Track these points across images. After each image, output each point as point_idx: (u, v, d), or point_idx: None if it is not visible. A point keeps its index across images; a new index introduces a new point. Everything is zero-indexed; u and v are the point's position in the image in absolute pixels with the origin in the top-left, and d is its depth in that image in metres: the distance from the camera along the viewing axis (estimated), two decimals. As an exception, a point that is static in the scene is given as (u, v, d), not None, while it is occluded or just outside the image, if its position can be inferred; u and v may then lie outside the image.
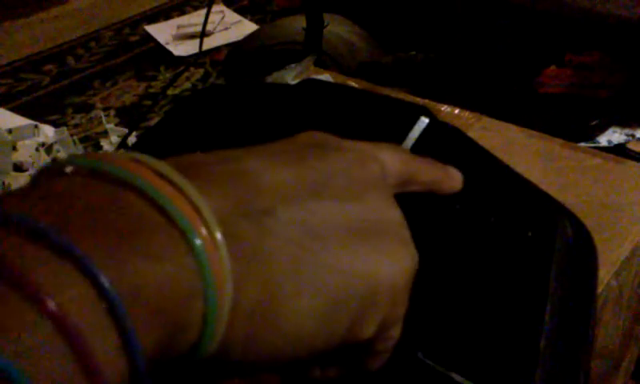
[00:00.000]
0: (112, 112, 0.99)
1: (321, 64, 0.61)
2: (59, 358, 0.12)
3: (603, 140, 0.56)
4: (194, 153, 0.17)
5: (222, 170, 0.16)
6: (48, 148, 0.75)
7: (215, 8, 1.18)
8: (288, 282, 0.16)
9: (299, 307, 0.16)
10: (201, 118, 0.34)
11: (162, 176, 0.15)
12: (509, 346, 0.22)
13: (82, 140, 0.88)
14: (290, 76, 0.53)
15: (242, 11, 1.25)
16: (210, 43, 1.13)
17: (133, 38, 1.21)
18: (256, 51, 0.87)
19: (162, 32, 1.21)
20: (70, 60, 1.15)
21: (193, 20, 1.21)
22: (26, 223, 0.13)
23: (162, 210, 0.14)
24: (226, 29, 1.18)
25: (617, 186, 0.38)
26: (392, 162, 0.20)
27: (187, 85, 1.04)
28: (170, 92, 1.00)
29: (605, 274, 0.32)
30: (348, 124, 0.26)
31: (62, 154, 0.75)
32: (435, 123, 0.28)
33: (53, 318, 0.12)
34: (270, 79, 0.54)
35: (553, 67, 0.66)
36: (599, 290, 0.31)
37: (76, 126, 0.95)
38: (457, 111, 0.46)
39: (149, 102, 0.99)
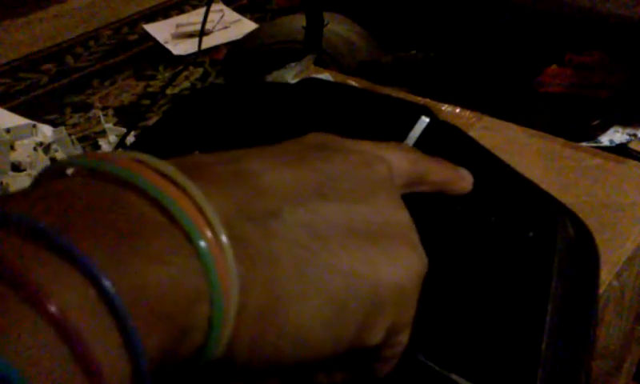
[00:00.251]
0: (110, 111, 0.99)
1: (321, 63, 0.61)
2: (59, 360, 0.12)
3: (605, 140, 0.56)
4: (193, 153, 0.17)
5: (226, 171, 0.16)
6: (46, 148, 0.75)
7: (214, 7, 1.18)
8: (294, 284, 0.16)
9: (305, 310, 0.16)
10: (200, 118, 0.34)
11: (164, 176, 0.15)
12: (510, 347, 0.22)
13: (80, 139, 0.88)
14: (290, 75, 0.53)
15: (241, 10, 1.25)
16: (209, 42, 1.13)
17: (132, 37, 1.21)
18: (255, 50, 0.87)
19: (160, 31, 1.20)
20: (69, 59, 1.15)
21: (192, 19, 1.20)
22: (26, 223, 0.13)
23: (165, 211, 0.14)
24: (226, 28, 1.18)
25: (618, 186, 0.38)
26: (399, 162, 0.20)
27: (186, 84, 1.04)
28: (169, 91, 0.99)
29: (606, 275, 0.32)
30: (348, 123, 0.26)
31: (60, 154, 0.75)
32: (436, 123, 0.28)
33: (53, 320, 0.12)
34: (269, 78, 0.54)
35: (554, 66, 0.66)
36: (601, 290, 0.31)
37: (74, 125, 0.95)
38: (457, 110, 0.46)
39: (147, 102, 0.98)
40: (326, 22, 0.70)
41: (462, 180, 0.23)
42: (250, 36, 0.93)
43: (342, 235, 0.17)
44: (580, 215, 0.27)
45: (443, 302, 0.23)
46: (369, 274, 0.17)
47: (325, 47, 0.73)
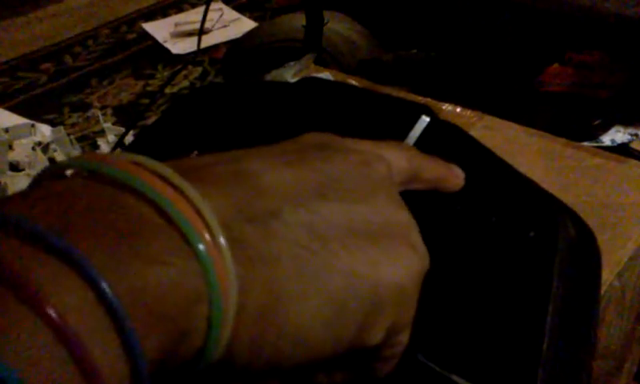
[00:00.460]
0: (109, 111, 0.99)
1: (321, 62, 0.61)
2: (58, 361, 0.12)
3: (607, 139, 0.55)
4: (192, 152, 0.17)
5: (225, 171, 0.16)
6: (44, 147, 0.75)
7: (213, 5, 1.18)
8: (294, 284, 0.16)
9: (305, 310, 0.16)
10: (199, 117, 0.33)
11: (162, 178, 0.15)
12: (510, 348, 0.22)
13: (78, 139, 0.88)
14: (290, 74, 0.53)
15: (240, 9, 1.25)
16: (208, 41, 1.12)
17: (130, 36, 1.21)
18: (255, 49, 0.87)
19: (159, 30, 1.20)
20: (68, 58, 1.15)
21: (191, 17, 1.20)
22: (26, 225, 0.13)
23: (163, 213, 0.14)
24: (225, 26, 1.18)
25: (618, 186, 0.38)
26: (398, 160, 0.20)
27: (185, 83, 1.04)
28: (167, 90, 0.99)
29: (607, 275, 0.32)
30: (348, 123, 0.26)
31: (58, 154, 0.75)
32: (436, 122, 0.28)
33: (52, 321, 0.12)
34: (269, 77, 0.54)
35: (555, 65, 0.65)
36: (602, 290, 0.31)
37: (73, 125, 0.95)
38: (458, 110, 0.46)
39: (146, 101, 0.98)
40: (325, 21, 0.70)
41: (455, 177, 0.23)
42: (250, 35, 0.93)
43: (342, 235, 0.17)
44: (581, 215, 0.27)
45: (443, 302, 0.23)
46: (369, 274, 0.17)
47: (325, 46, 0.73)
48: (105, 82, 1.07)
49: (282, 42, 0.83)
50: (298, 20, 0.75)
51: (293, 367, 0.16)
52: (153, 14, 1.28)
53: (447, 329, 0.22)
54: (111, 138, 0.85)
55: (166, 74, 1.07)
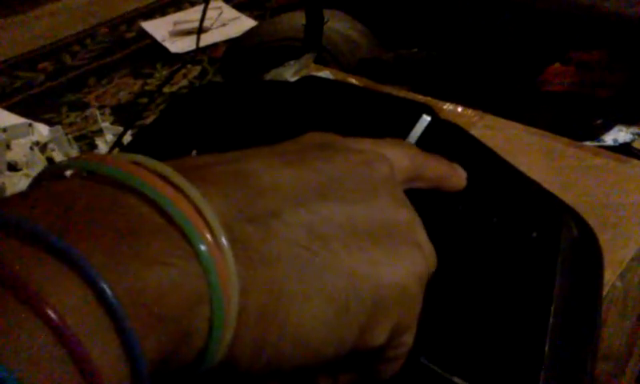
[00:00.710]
0: (107, 110, 0.98)
1: (321, 61, 0.61)
2: (57, 362, 0.12)
3: (609, 139, 0.55)
4: (190, 152, 0.17)
5: (226, 171, 0.16)
6: (42, 147, 0.75)
7: (213, 4, 1.17)
8: (294, 285, 0.15)
9: (307, 311, 0.15)
10: (198, 116, 0.33)
11: (163, 178, 0.14)
12: (512, 349, 0.22)
13: (76, 139, 0.87)
14: (289, 73, 0.53)
15: (240, 7, 1.25)
16: (207, 40, 1.12)
17: (129, 35, 1.21)
18: (254, 48, 0.87)
19: (158, 28, 1.20)
20: (66, 57, 1.15)
21: (190, 16, 1.20)
22: (25, 225, 0.13)
23: (163, 213, 0.14)
24: (224, 25, 1.18)
25: (620, 186, 0.38)
26: (400, 159, 0.20)
27: (184, 82, 1.03)
28: (166, 89, 0.99)
29: (609, 276, 0.32)
30: (348, 122, 0.26)
31: (56, 153, 0.75)
32: (437, 121, 0.28)
33: (51, 322, 0.12)
34: (268, 76, 0.53)
35: (557, 65, 0.65)
36: (604, 291, 0.31)
37: (71, 124, 0.94)
38: (459, 109, 0.46)
39: (145, 100, 0.98)
40: (325, 20, 0.70)
41: (458, 176, 0.23)
42: (249, 33, 0.93)
43: (343, 235, 0.17)
44: (582, 215, 0.26)
45: (446, 303, 0.23)
46: (370, 275, 0.17)
47: (325, 45, 0.72)
48: (103, 81, 1.06)
49: (282, 40, 0.83)
50: (298, 19, 0.75)
51: (294, 368, 0.16)
52: (152, 13, 1.28)
53: (449, 330, 0.22)
54: (109, 137, 0.85)
55: (164, 72, 1.07)
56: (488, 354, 0.22)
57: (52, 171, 0.15)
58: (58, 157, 0.75)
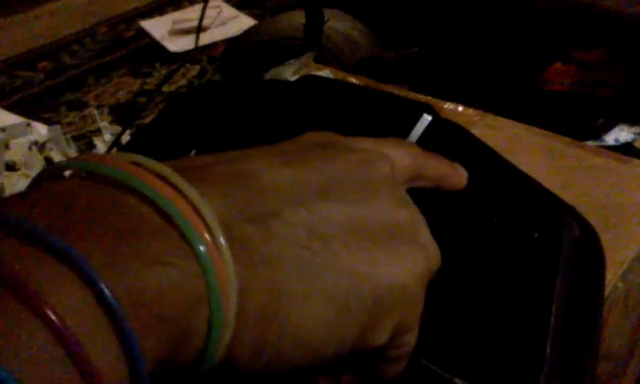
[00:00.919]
0: (105, 110, 0.98)
1: (321, 60, 0.60)
2: (57, 362, 0.12)
3: (610, 138, 0.55)
4: (189, 152, 0.17)
5: (226, 171, 0.16)
6: (41, 146, 0.75)
7: (212, 3, 1.17)
8: (294, 284, 0.15)
9: (307, 311, 0.15)
10: (197, 116, 0.33)
11: (162, 178, 0.14)
12: (514, 349, 0.22)
13: (75, 138, 0.87)
14: (289, 72, 0.53)
15: (239, 6, 1.25)
16: (206, 39, 1.12)
17: (128, 34, 1.20)
18: (254, 47, 0.87)
19: (157, 27, 1.20)
20: (65, 57, 1.14)
21: (189, 15, 1.20)
22: (25, 225, 0.12)
23: (162, 213, 0.14)
24: (223, 24, 1.17)
25: (620, 186, 0.38)
26: (401, 158, 0.20)
27: (183, 81, 1.03)
28: (165, 89, 0.99)
29: (611, 276, 0.32)
30: (349, 122, 0.26)
31: (54, 153, 0.74)
32: (438, 121, 0.28)
33: (51, 322, 0.12)
34: (268, 75, 0.53)
35: (558, 64, 0.65)
36: (605, 292, 0.31)
37: (69, 124, 0.94)
38: (460, 108, 0.46)
39: (143, 99, 0.98)
40: (326, 19, 0.70)
41: (459, 175, 0.23)
42: (249, 32, 0.93)
43: (343, 235, 0.16)
44: (583, 215, 0.26)
45: (446, 303, 0.22)
46: (370, 274, 0.16)
47: (325, 44, 0.72)
48: (102, 81, 1.06)
49: (282, 39, 0.82)
50: (298, 18, 0.75)
51: (294, 369, 0.16)
52: (151, 12, 1.27)
53: (450, 331, 0.22)
54: (107, 137, 0.85)
55: (163, 72, 1.07)
56: (489, 354, 0.22)
57: (51, 171, 0.15)
58: (57, 156, 0.75)
